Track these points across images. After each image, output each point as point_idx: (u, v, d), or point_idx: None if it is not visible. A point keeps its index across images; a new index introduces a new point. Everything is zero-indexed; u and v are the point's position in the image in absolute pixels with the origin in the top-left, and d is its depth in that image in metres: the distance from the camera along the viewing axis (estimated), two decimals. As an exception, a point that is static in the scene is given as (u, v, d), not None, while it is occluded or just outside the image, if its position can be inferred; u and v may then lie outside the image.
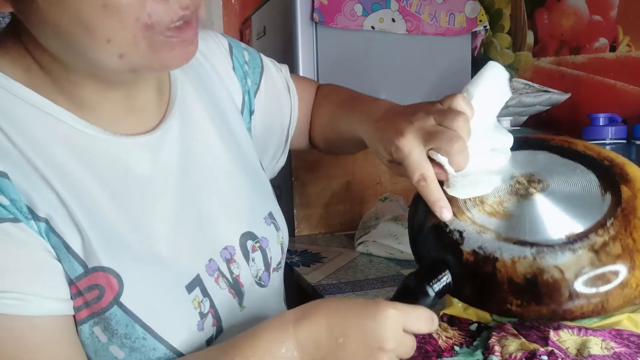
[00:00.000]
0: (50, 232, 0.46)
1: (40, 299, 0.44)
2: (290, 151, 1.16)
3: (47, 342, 0.45)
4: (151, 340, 0.49)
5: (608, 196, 0.47)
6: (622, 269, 0.43)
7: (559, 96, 1.13)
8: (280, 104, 0.75)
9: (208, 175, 0.59)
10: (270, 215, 0.65)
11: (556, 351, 0.53)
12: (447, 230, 0.49)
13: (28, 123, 0.47)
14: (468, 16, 1.42)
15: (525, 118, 1.19)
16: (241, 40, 2.06)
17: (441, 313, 0.67)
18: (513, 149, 0.55)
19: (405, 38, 1.37)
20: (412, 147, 0.52)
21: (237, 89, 0.69)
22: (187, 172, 0.57)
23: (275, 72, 0.75)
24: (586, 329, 0.59)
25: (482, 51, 1.50)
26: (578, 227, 0.45)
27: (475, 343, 0.60)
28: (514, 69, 1.40)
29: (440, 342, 0.60)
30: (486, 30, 1.46)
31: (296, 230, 1.20)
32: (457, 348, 0.59)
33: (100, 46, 0.44)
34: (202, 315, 0.53)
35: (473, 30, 1.44)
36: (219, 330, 0.55)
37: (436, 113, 0.52)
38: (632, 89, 1.06)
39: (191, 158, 0.58)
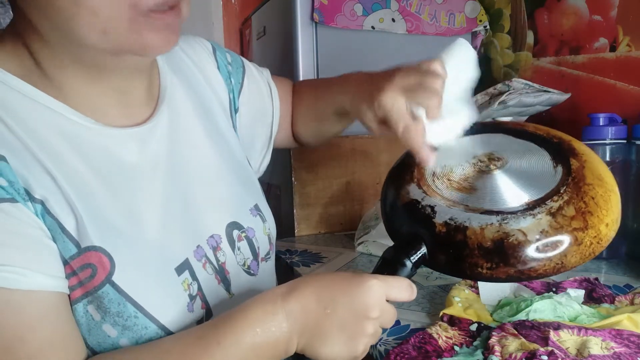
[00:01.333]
0: (46, 213, 0.48)
1: (37, 274, 0.46)
2: (290, 151, 1.17)
3: (44, 317, 0.46)
4: (142, 319, 0.51)
5: (559, 168, 0.52)
6: (577, 229, 0.48)
7: (559, 96, 1.13)
8: (263, 102, 0.78)
9: (195, 168, 0.62)
10: (256, 207, 0.68)
11: (556, 351, 0.53)
12: (420, 206, 0.54)
13: (24, 113, 0.50)
14: (468, 16, 1.42)
15: (525, 118, 1.19)
16: (241, 40, 2.06)
17: (441, 313, 0.67)
18: (472, 133, 0.60)
19: (405, 38, 1.37)
20: (394, 101, 0.57)
21: (223, 88, 0.72)
22: (175, 164, 0.59)
23: (256, 72, 0.79)
24: (586, 329, 0.59)
25: (482, 51, 1.50)
26: (536, 196, 0.51)
27: (475, 343, 0.60)
28: (514, 69, 1.40)
29: (440, 342, 0.60)
30: (486, 30, 1.46)
31: (296, 230, 1.20)
32: (457, 348, 0.59)
33: (86, 19, 0.45)
34: (192, 297, 0.55)
35: (473, 30, 1.44)
36: (209, 314, 0.57)
37: (416, 73, 0.58)
38: (632, 89, 1.06)
39: (179, 151, 0.60)
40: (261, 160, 0.81)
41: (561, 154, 0.55)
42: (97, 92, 0.54)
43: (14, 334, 0.44)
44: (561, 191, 0.50)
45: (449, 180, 0.56)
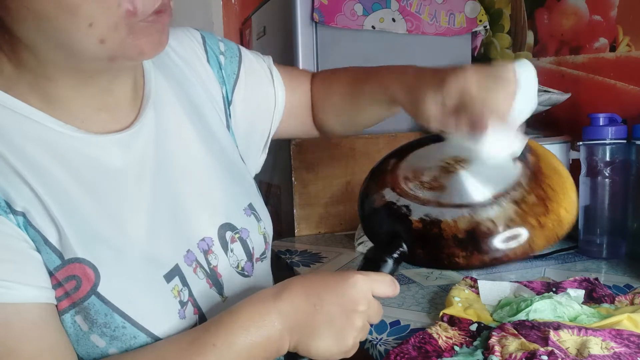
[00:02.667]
0: (28, 225, 0.48)
1: (23, 287, 0.46)
2: (290, 151, 1.17)
3: (33, 329, 0.46)
4: (131, 328, 0.50)
5: (518, 164, 0.56)
6: (539, 214, 0.52)
7: (559, 96, 1.13)
8: (263, 93, 0.74)
9: (185, 170, 0.60)
10: (250, 206, 0.66)
11: (556, 351, 0.53)
12: (395, 206, 0.58)
13: (2, 124, 0.49)
14: (468, 16, 1.42)
15: (525, 118, 1.19)
16: (241, 40, 2.06)
17: (441, 313, 0.67)
18: (437, 139, 0.63)
19: (405, 38, 1.37)
20: (469, 86, 0.54)
21: (214, 82, 0.69)
22: (163, 166, 0.58)
23: (255, 61, 0.75)
24: (586, 329, 0.59)
25: (482, 51, 1.50)
26: (500, 188, 0.54)
27: (475, 343, 0.60)
28: (514, 69, 1.40)
29: (440, 342, 0.60)
30: (486, 30, 1.46)
31: (296, 230, 1.20)
32: (457, 348, 0.59)
33: (82, 30, 0.45)
34: (182, 304, 0.54)
35: (473, 30, 1.44)
36: (202, 319, 0.56)
37: (489, 73, 0.54)
38: (632, 89, 1.06)
39: (167, 153, 0.59)
40: (259, 153, 0.78)
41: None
42: (83, 98, 0.53)
43: (3, 348, 0.44)
44: (522, 182, 0.54)
45: (420, 182, 0.59)
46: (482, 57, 1.50)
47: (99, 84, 0.54)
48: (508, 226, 0.52)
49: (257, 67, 0.75)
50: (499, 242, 0.52)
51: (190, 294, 0.56)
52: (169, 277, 0.54)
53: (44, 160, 0.50)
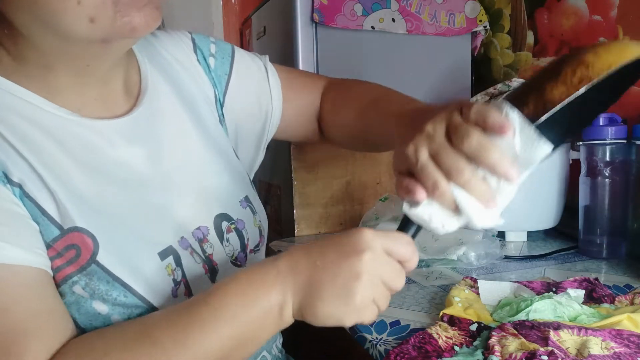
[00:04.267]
0: (24, 196, 0.48)
1: (19, 249, 0.46)
2: (290, 151, 1.17)
3: (28, 291, 0.46)
4: (132, 298, 0.51)
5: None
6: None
7: (559, 96, 1.13)
8: (258, 90, 0.74)
9: (181, 161, 0.61)
10: (246, 198, 0.67)
11: (556, 351, 0.53)
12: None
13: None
14: (468, 16, 1.42)
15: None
16: (241, 40, 2.06)
17: (441, 313, 0.67)
18: None
19: (405, 38, 1.37)
20: (419, 153, 0.48)
21: (206, 82, 0.70)
22: (159, 157, 0.59)
23: (250, 59, 0.75)
24: (586, 329, 0.59)
25: (482, 51, 1.50)
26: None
27: (475, 343, 0.60)
28: (514, 69, 1.40)
29: (440, 342, 0.60)
30: (486, 30, 1.46)
31: (296, 230, 1.20)
32: (457, 348, 0.59)
33: (71, 9, 0.45)
34: (176, 283, 0.55)
35: (473, 30, 1.44)
36: None
37: (467, 128, 0.45)
38: (632, 89, 1.06)
39: (164, 144, 0.60)
40: (257, 152, 0.77)
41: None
42: (80, 86, 0.54)
43: None
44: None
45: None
46: (482, 57, 1.50)
47: (96, 73, 0.55)
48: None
49: (251, 64, 0.75)
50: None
51: (184, 275, 0.56)
52: (163, 255, 0.55)
53: (40, 139, 0.51)
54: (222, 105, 0.71)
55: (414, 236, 0.49)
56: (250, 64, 0.75)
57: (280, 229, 1.29)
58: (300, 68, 1.27)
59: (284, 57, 1.35)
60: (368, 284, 0.44)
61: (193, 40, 0.71)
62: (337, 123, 0.77)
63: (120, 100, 0.59)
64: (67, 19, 0.46)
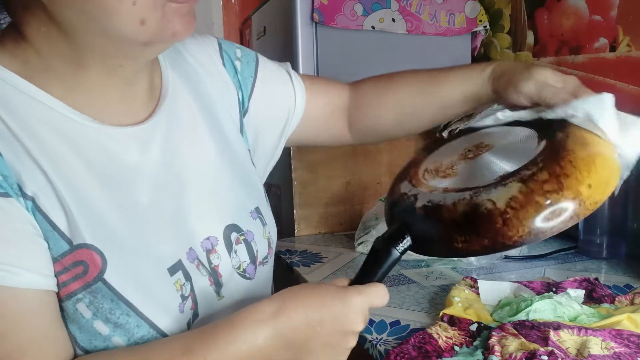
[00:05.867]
0: (36, 210, 0.48)
1: (26, 272, 0.46)
2: (290, 151, 1.17)
3: (27, 316, 0.46)
4: (134, 317, 0.51)
5: (543, 142, 0.51)
6: (549, 191, 0.46)
7: (559, 96, 1.13)
8: (281, 92, 0.75)
9: (195, 169, 0.61)
10: (257, 210, 0.67)
11: (556, 351, 0.53)
12: (406, 197, 0.56)
13: (20, 109, 0.50)
14: (468, 16, 1.42)
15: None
16: (241, 40, 2.06)
17: (441, 313, 0.67)
18: (471, 129, 0.62)
19: (405, 38, 1.37)
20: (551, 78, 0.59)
21: (231, 86, 0.70)
22: (173, 165, 0.59)
23: (274, 66, 0.76)
24: (586, 329, 0.59)
25: (482, 51, 1.50)
26: (512, 168, 0.50)
27: (475, 343, 0.60)
28: (514, 69, 1.40)
29: (440, 342, 0.60)
30: (486, 30, 1.46)
31: (296, 230, 1.20)
32: (457, 348, 0.59)
33: (125, 9, 0.46)
34: (184, 298, 0.55)
35: (473, 30, 1.44)
36: (195, 315, 0.57)
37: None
38: (632, 89, 1.06)
39: (178, 152, 0.60)
40: (269, 158, 0.78)
41: (549, 129, 0.53)
42: (106, 87, 0.55)
43: None
44: (537, 160, 0.48)
45: (436, 171, 0.57)
46: (482, 57, 1.50)
47: (124, 74, 0.55)
48: (509, 206, 0.46)
49: (274, 69, 0.76)
50: (498, 224, 0.46)
51: (192, 289, 0.56)
52: (172, 270, 0.55)
53: (58, 147, 0.51)
54: (246, 111, 0.72)
55: (396, 262, 0.53)
56: (273, 68, 0.76)
57: (281, 229, 1.29)
58: (300, 68, 1.27)
59: (284, 57, 1.35)
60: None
61: (220, 45, 0.72)
62: (388, 104, 0.77)
63: (141, 104, 0.59)
64: (120, 19, 0.47)
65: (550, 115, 0.56)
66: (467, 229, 0.48)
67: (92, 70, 0.53)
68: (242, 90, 0.71)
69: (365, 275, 0.53)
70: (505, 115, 0.60)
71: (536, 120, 0.58)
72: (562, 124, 0.53)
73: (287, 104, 0.75)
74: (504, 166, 0.51)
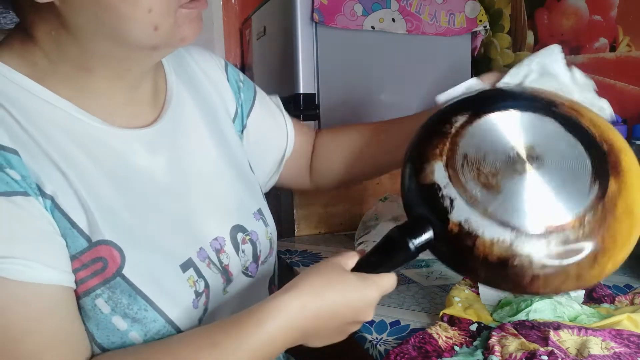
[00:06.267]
0: (55, 208, 0.49)
1: (46, 268, 0.46)
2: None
3: (51, 311, 0.47)
4: (152, 312, 0.51)
5: (596, 187, 0.49)
6: (583, 267, 0.47)
7: (559, 96, 1.13)
8: (276, 125, 0.78)
9: (200, 173, 0.62)
10: (259, 211, 0.68)
11: (556, 351, 0.53)
12: (440, 194, 0.50)
13: (33, 111, 0.51)
14: (468, 16, 1.42)
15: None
16: (241, 40, 2.06)
17: (441, 313, 0.67)
18: (521, 107, 0.56)
19: (405, 38, 1.37)
20: None
21: (231, 98, 0.72)
22: (180, 168, 0.60)
23: (268, 98, 0.79)
24: (586, 329, 0.59)
25: (482, 51, 1.50)
26: (559, 216, 0.48)
27: (475, 343, 0.60)
28: (514, 69, 1.40)
29: (440, 342, 0.60)
30: (486, 30, 1.46)
31: (296, 230, 1.20)
32: (457, 348, 0.59)
33: (140, 17, 0.47)
34: (198, 294, 0.56)
35: (473, 30, 1.44)
36: (205, 310, 0.57)
37: None
38: (632, 89, 1.06)
39: (184, 156, 0.61)
40: (268, 179, 0.81)
41: (604, 168, 0.51)
42: (114, 90, 0.55)
43: (20, 327, 0.45)
44: (585, 221, 0.47)
45: (477, 170, 0.51)
46: (482, 57, 1.50)
47: (130, 78, 0.56)
48: (544, 269, 0.46)
49: (269, 102, 0.79)
50: (527, 280, 0.47)
51: (207, 285, 0.57)
52: (184, 267, 0.56)
53: (70, 147, 0.51)
54: (243, 128, 0.74)
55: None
56: (267, 99, 0.79)
57: (280, 228, 1.29)
58: (300, 68, 1.27)
59: (284, 57, 1.35)
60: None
61: (225, 64, 0.75)
62: (333, 148, 0.80)
63: (147, 107, 0.60)
64: (134, 26, 0.48)
65: (513, 74, 0.63)
66: (496, 271, 0.48)
67: (100, 74, 0.53)
68: (241, 108, 0.73)
69: (378, 264, 0.52)
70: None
71: (587, 132, 0.54)
72: (615, 159, 0.51)
73: (280, 133, 0.78)
74: (551, 204, 0.49)
